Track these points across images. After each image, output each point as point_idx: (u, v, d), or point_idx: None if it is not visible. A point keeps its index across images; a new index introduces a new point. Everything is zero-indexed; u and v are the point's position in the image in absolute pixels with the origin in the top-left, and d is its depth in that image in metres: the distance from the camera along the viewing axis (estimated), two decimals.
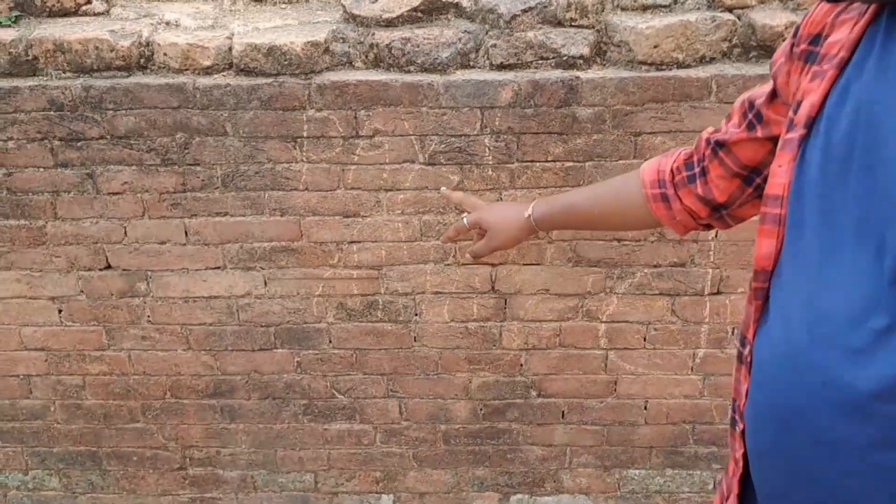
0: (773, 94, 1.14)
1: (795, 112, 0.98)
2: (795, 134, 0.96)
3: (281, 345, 2.50)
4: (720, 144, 1.27)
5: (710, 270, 2.34)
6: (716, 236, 2.30)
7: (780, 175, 0.97)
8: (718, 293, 2.38)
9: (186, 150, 2.23)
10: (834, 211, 0.88)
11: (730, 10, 2.15)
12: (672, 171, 1.39)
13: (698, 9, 2.16)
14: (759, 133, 1.18)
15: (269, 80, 2.15)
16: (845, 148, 0.87)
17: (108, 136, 2.21)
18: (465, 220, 1.79)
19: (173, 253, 2.37)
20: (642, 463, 2.66)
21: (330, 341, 2.49)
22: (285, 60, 2.12)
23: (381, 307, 2.44)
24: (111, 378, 2.56)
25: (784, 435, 0.94)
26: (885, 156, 0.82)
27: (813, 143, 0.92)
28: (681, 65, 2.13)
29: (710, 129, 1.33)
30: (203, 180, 2.27)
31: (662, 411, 2.56)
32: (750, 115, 1.19)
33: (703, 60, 2.15)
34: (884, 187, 0.82)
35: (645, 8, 2.17)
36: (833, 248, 0.88)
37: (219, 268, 2.39)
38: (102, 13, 2.31)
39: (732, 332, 2.43)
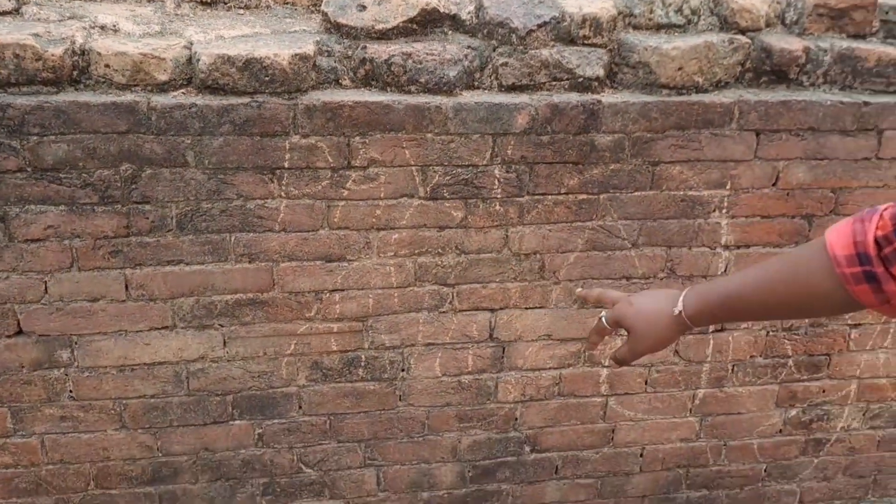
0: None
1: None
2: None
3: (240, 415, 2.09)
4: None
5: None
6: (725, 271, 2.17)
7: None
8: (721, 330, 2.26)
9: (133, 186, 1.79)
10: None
11: (743, 32, 2.03)
12: (876, 241, 1.03)
13: (711, 30, 2.03)
14: None
15: (246, 99, 1.76)
16: None
17: (30, 169, 1.73)
18: (603, 319, 1.41)
19: (108, 312, 1.90)
20: None
21: (300, 407, 2.11)
22: (266, 76, 1.75)
23: (363, 364, 2.09)
24: (16, 471, 2.02)
25: None
26: None
27: None
28: (699, 89, 1.99)
29: None
30: (153, 222, 1.83)
31: (658, 457, 2.40)
32: None
33: (718, 85, 2.01)
34: None
35: (659, 27, 2.01)
36: None
37: (166, 328, 1.95)
38: (11, 12, 1.82)
39: (732, 370, 2.31)
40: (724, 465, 2.44)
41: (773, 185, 2.07)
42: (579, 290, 1.62)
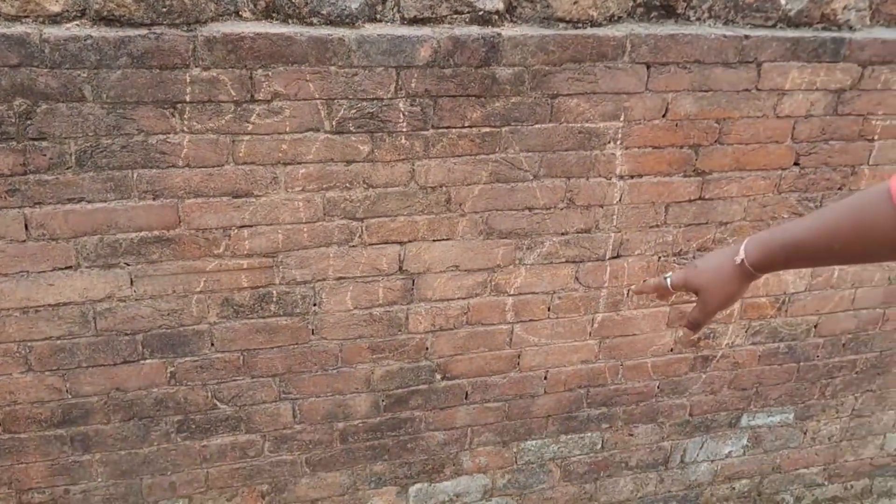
0: None
1: None
2: None
3: (150, 354, 2.09)
4: None
5: (613, 234, 2.34)
6: (620, 200, 2.29)
7: None
8: (618, 257, 2.38)
9: (29, 121, 1.74)
10: None
11: None
12: None
13: None
14: None
15: (143, 31, 1.73)
16: None
17: None
18: (667, 280, 1.41)
19: (8, 252, 1.86)
20: (539, 433, 2.62)
21: (212, 344, 2.13)
22: (163, 7, 1.72)
23: (274, 300, 2.12)
24: None
25: None
26: None
27: None
28: (594, 23, 2.07)
29: None
30: (51, 159, 1.79)
31: (561, 379, 2.54)
32: None
33: (612, 19, 2.10)
34: None
35: None
36: None
37: (70, 268, 1.92)
38: None
39: (628, 294, 2.45)
40: (622, 383, 2.61)
41: (663, 116, 2.19)
42: (634, 286, 1.42)
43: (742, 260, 1.28)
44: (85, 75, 1.73)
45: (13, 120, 1.72)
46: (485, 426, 2.54)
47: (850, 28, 2.22)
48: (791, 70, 2.20)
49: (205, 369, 2.16)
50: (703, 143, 2.26)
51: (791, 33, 2.17)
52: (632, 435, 2.73)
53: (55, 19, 1.70)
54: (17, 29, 1.67)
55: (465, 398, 2.47)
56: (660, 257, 2.41)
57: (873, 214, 1.12)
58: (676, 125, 2.21)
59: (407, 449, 2.49)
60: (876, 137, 2.38)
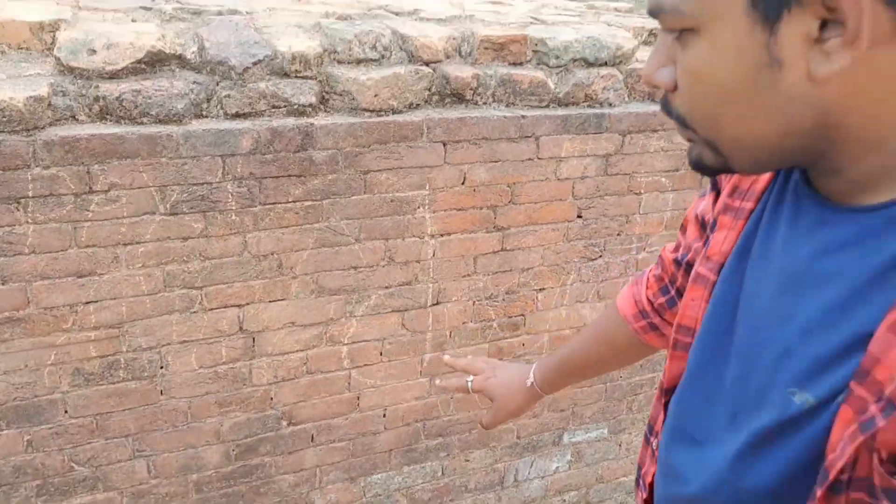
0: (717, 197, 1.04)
1: (706, 242, 0.99)
2: (706, 272, 0.96)
3: (7, 425, 2.26)
4: (690, 265, 1.15)
5: (431, 285, 2.69)
6: (433, 255, 2.65)
7: (691, 308, 0.98)
8: (438, 303, 2.74)
9: None
10: (715, 366, 0.91)
11: (426, 63, 2.50)
12: (648, 299, 1.31)
13: (401, 63, 2.48)
14: None
15: None
16: (727, 321, 0.89)
17: None
18: (469, 384, 1.64)
19: None
20: (383, 466, 2.92)
21: (66, 411, 2.32)
22: (4, 117, 1.96)
23: (122, 366, 2.34)
24: None
25: None
26: (751, 350, 0.84)
27: (716, 290, 0.93)
28: (395, 111, 2.44)
29: (670, 246, 1.25)
30: None
31: (399, 415, 2.85)
32: (707, 230, 1.06)
33: (411, 106, 2.47)
34: (746, 372, 0.85)
35: (359, 62, 2.43)
36: (708, 398, 0.92)
37: None
38: None
39: (450, 335, 2.81)
40: (453, 414, 2.95)
41: (462, 183, 2.58)
42: (446, 357, 1.77)
43: (532, 383, 1.53)
44: None
45: None
46: (332, 465, 2.82)
47: (610, 105, 2.70)
48: (564, 141, 2.64)
49: (60, 435, 2.34)
50: (498, 203, 2.66)
51: (561, 111, 2.61)
52: (468, 461, 3.07)
53: None
54: None
55: (312, 441, 2.74)
56: (474, 301, 2.78)
57: (614, 329, 1.40)
58: (474, 190, 2.61)
59: (260, 493, 2.73)
60: (642, 191, 2.86)
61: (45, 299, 2.17)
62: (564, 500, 3.37)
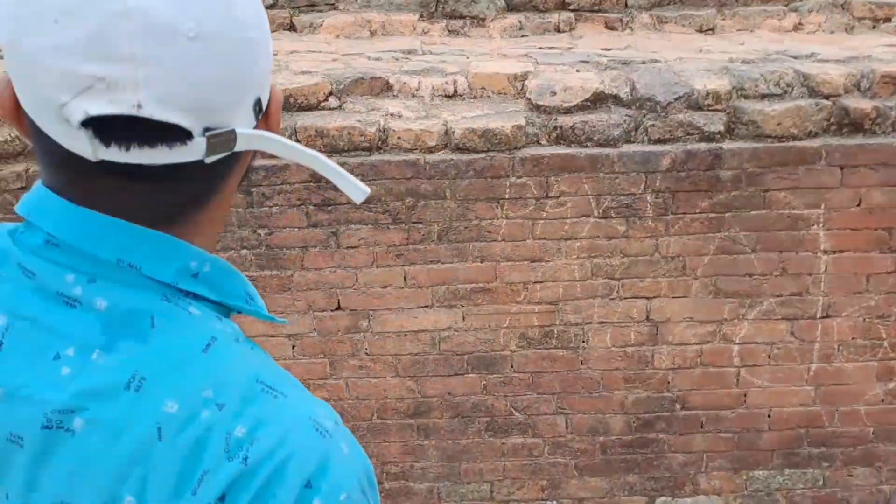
0: None
1: None
2: None
3: (471, 370, 3.06)
4: None
5: (822, 298, 2.95)
6: (825, 270, 2.91)
7: None
8: (827, 317, 2.98)
9: (413, 211, 2.85)
10: None
11: (826, 97, 2.83)
12: None
13: (802, 97, 2.84)
14: None
15: (482, 155, 2.79)
16: None
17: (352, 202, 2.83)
18: None
19: (393, 295, 2.95)
20: (765, 464, 3.18)
21: (511, 366, 3.05)
22: (496, 140, 2.77)
23: (555, 336, 3.01)
24: (329, 403, 3.08)
25: None
26: None
27: None
28: (795, 137, 2.80)
29: None
30: (423, 235, 2.88)
31: (783, 418, 3.11)
32: None
33: (810, 134, 2.82)
34: None
35: (763, 96, 2.85)
36: None
37: (427, 306, 2.97)
38: (337, 108, 2.97)
39: (838, 348, 3.01)
40: (838, 426, 3.12)
41: (858, 205, 2.82)
42: None
43: None
44: (447, 183, 2.81)
45: (404, 210, 2.84)
46: (718, 453, 3.17)
47: None
48: None
49: (505, 384, 3.08)
50: (894, 225, 2.84)
51: None
52: (851, 475, 3.19)
53: (431, 149, 2.81)
54: (411, 156, 2.80)
55: (701, 427, 3.14)
56: (864, 318, 2.96)
57: None
58: (870, 212, 2.83)
59: (653, 465, 3.19)
60: None
61: (507, 276, 2.93)
62: None
